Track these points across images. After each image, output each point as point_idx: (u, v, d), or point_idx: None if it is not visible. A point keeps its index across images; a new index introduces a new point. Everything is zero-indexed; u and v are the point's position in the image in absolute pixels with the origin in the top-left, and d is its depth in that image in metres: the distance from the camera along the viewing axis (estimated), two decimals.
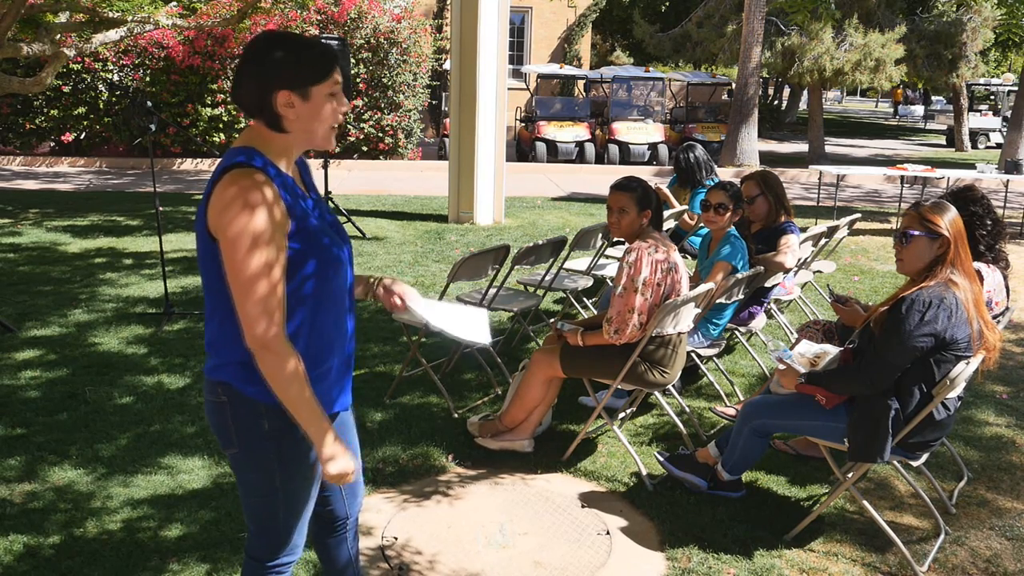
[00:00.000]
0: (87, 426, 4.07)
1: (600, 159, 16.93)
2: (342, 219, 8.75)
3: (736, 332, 4.91)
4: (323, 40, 1.95)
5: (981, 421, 4.50)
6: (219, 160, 1.93)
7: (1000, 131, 22.87)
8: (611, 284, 4.80)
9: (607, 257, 6.21)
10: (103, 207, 10.22)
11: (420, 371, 4.73)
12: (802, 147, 20.84)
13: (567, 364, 3.79)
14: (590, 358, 3.76)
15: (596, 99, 20.00)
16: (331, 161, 13.82)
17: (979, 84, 24.87)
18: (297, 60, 1.85)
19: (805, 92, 26.69)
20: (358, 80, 14.41)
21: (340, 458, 1.91)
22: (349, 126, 14.62)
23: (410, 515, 3.38)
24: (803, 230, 5.24)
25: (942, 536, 3.32)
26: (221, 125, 14.21)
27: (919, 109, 36.12)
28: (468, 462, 3.85)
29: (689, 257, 5.93)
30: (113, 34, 7.59)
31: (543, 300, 5.30)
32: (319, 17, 14.22)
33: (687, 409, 4.36)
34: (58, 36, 7.38)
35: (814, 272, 6.27)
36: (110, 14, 7.22)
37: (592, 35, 25.81)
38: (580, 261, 5.88)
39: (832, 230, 5.99)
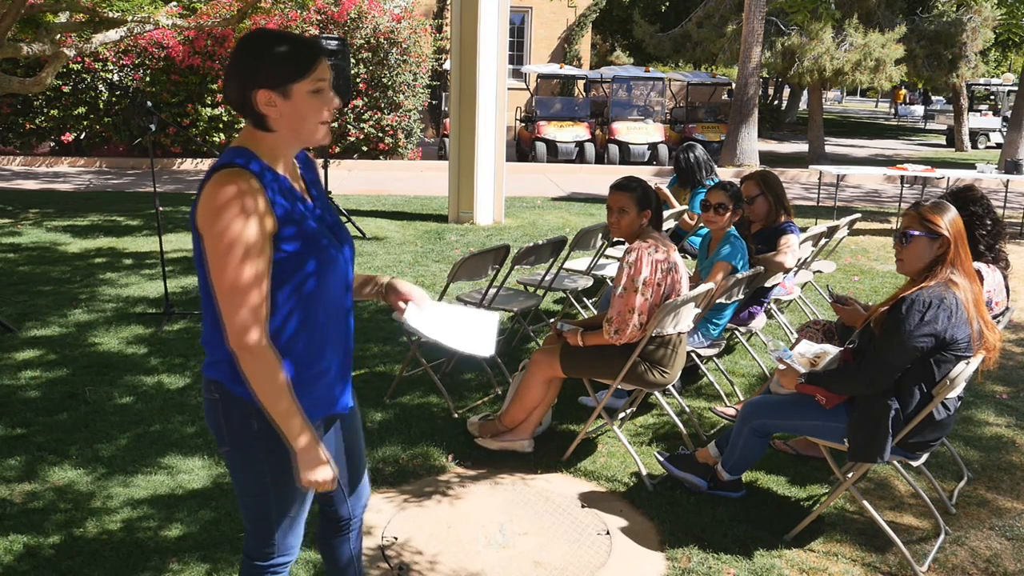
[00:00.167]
0: (87, 426, 4.07)
1: (600, 159, 16.93)
2: (342, 219, 8.74)
3: (736, 332, 4.91)
4: (307, 37, 1.92)
5: (981, 421, 4.50)
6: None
7: (1000, 131, 22.87)
8: (611, 284, 4.80)
9: (607, 257, 6.21)
10: (103, 207, 10.23)
11: (420, 371, 4.73)
12: (802, 147, 20.84)
13: (567, 364, 3.79)
14: (590, 358, 3.76)
15: (596, 99, 20.00)
16: (331, 161, 13.84)
17: (979, 84, 24.86)
18: (274, 58, 1.83)
19: (805, 92, 26.69)
20: (358, 80, 14.41)
21: (318, 466, 1.89)
22: (349, 126, 14.62)
23: (410, 515, 3.38)
24: (803, 230, 5.24)
25: (942, 536, 3.32)
26: (221, 125, 14.21)
27: (919, 109, 36.12)
28: (468, 462, 3.85)
29: (689, 257, 5.93)
30: (113, 34, 7.59)
31: (543, 300, 5.30)
32: (319, 17, 14.22)
33: (687, 409, 4.36)
34: (58, 36, 7.38)
35: (814, 272, 6.27)
36: (110, 14, 7.22)
37: (592, 35, 25.81)
38: (580, 261, 5.88)
39: (832, 230, 5.99)
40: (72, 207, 10.16)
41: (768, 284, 4.82)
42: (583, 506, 3.50)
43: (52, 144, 14.79)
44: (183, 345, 5.24)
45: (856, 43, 16.47)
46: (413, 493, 3.56)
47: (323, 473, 1.90)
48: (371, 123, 14.75)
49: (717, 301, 4.13)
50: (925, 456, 3.18)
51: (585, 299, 6.18)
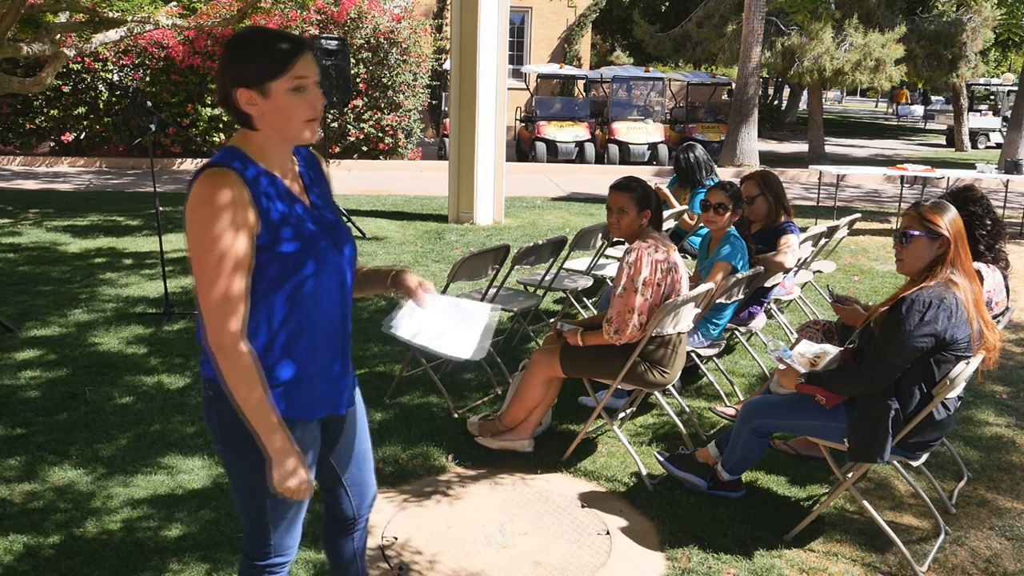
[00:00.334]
0: (87, 426, 4.07)
1: (600, 159, 16.93)
2: (342, 219, 8.74)
3: (736, 332, 4.91)
4: (291, 34, 1.91)
5: (981, 421, 4.50)
6: None
7: (1000, 131, 22.86)
8: (611, 284, 4.80)
9: (607, 257, 6.21)
10: (103, 207, 10.23)
11: (420, 371, 4.73)
12: (802, 147, 20.84)
13: (567, 364, 3.79)
14: (590, 358, 3.76)
15: (596, 99, 20.00)
16: (331, 161, 13.84)
17: (979, 84, 24.86)
18: (251, 56, 1.82)
19: (805, 92, 26.69)
20: (358, 80, 14.41)
21: (289, 473, 1.87)
22: (349, 126, 14.62)
23: (410, 515, 3.38)
24: (803, 230, 5.24)
25: (942, 536, 3.32)
26: (221, 125, 14.20)
27: (919, 109, 36.13)
28: (468, 462, 3.85)
29: (689, 257, 5.93)
30: (113, 34, 7.60)
31: (543, 300, 5.30)
32: (319, 17, 14.21)
33: (687, 409, 4.36)
34: (58, 36, 7.39)
35: (814, 272, 6.27)
36: (110, 14, 7.23)
37: (592, 35, 25.81)
38: (580, 261, 5.88)
39: (832, 230, 6.00)
40: (72, 207, 10.16)
41: (768, 284, 4.82)
42: (583, 506, 3.50)
43: (52, 144, 14.78)
44: (183, 345, 5.24)
45: (856, 43, 16.47)
46: (413, 493, 3.56)
47: (294, 480, 1.88)
48: (371, 123, 14.75)
49: (717, 301, 4.13)
50: (925, 456, 3.18)
51: (585, 299, 6.18)
